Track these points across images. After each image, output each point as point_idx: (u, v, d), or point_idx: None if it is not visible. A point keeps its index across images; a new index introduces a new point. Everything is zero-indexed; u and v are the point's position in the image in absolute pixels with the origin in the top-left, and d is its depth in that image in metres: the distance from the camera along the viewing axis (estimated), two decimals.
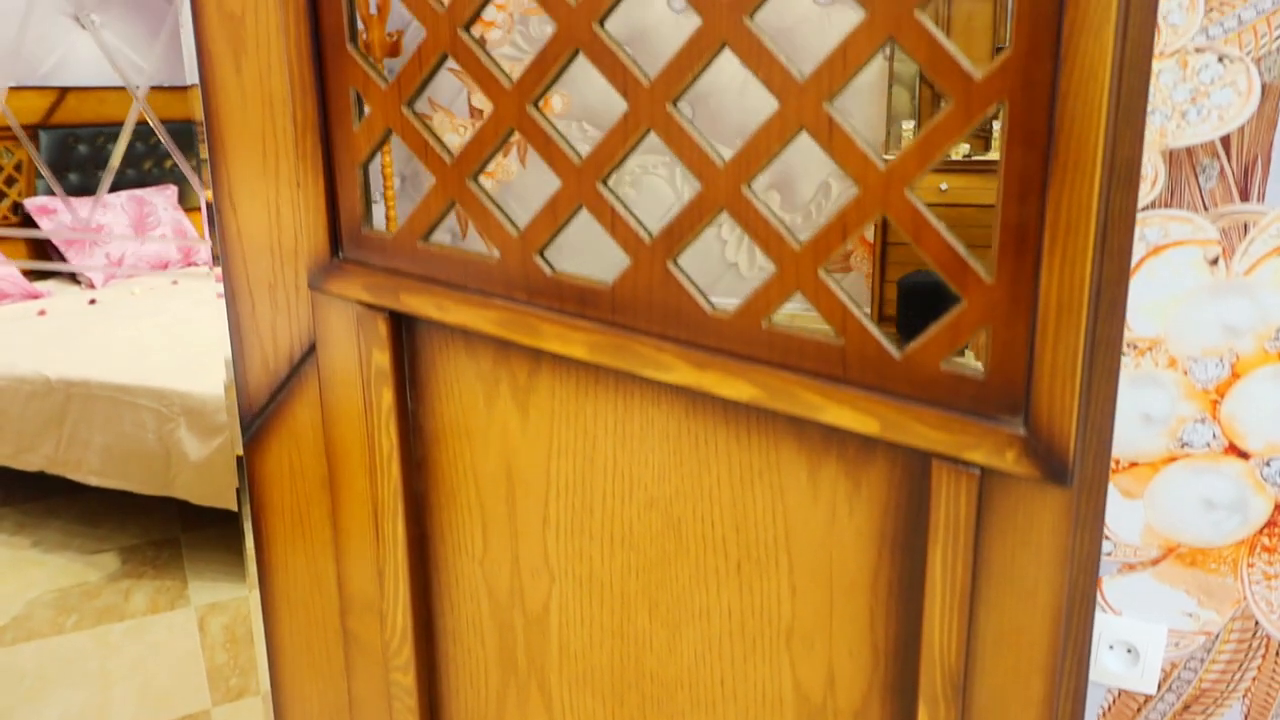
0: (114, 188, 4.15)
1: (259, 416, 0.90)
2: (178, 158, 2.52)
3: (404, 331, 0.79)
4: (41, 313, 3.35)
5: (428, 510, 0.87)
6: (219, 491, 2.46)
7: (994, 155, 3.71)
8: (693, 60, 0.64)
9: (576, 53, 0.67)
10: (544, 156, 0.68)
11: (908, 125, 4.24)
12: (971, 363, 0.65)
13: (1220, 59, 1.03)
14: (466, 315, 0.73)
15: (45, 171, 2.60)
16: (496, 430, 0.77)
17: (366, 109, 0.73)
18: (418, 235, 0.74)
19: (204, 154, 0.83)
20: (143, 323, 3.19)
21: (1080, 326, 0.60)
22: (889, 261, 4.28)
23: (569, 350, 0.71)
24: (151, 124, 2.16)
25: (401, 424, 0.79)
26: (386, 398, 0.78)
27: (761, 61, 0.63)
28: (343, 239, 0.77)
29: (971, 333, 0.64)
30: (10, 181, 3.79)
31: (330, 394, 0.83)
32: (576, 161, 0.68)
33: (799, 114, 0.62)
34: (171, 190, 4.32)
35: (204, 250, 4.25)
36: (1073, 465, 0.60)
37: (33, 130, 3.86)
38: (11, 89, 3.78)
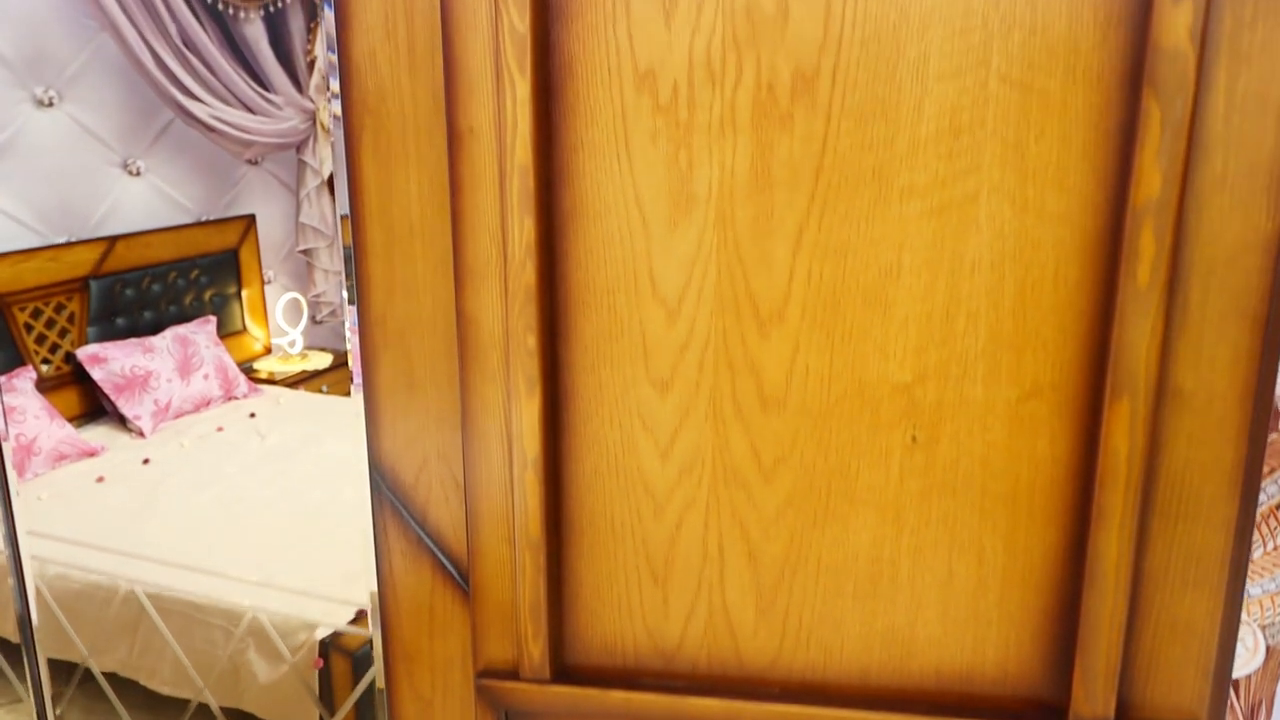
0: (159, 327, 4.31)
1: None
2: None
3: None
4: (100, 479, 3.51)
5: None
6: (288, 713, 2.64)
7: None
8: None
9: None
10: None
11: None
12: None
13: None
14: None
15: None
16: None
17: None
18: None
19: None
20: (201, 498, 3.35)
21: None
22: None
23: None
24: None
25: None
26: None
27: None
28: None
29: None
30: (63, 333, 3.95)
31: None
32: None
33: None
34: (210, 324, 4.46)
35: (241, 384, 4.41)
36: None
37: (84, 281, 4.01)
38: (64, 245, 3.94)
